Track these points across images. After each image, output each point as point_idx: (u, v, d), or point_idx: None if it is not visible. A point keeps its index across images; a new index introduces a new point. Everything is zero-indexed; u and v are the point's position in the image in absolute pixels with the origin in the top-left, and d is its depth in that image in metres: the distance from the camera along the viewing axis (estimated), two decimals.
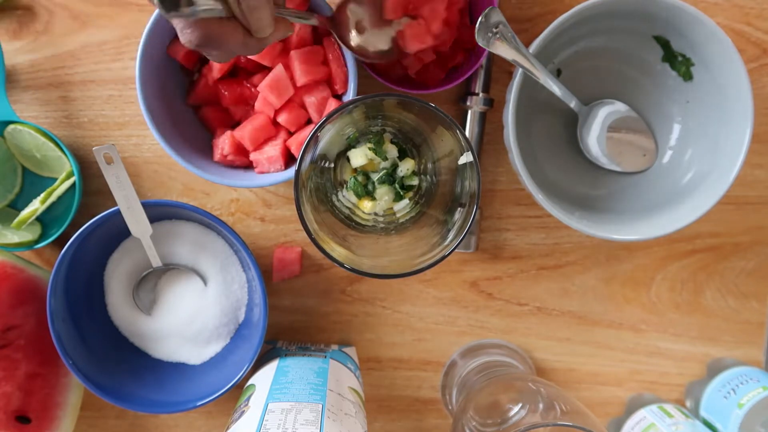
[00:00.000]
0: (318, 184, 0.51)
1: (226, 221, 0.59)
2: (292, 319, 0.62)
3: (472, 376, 0.58)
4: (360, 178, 0.53)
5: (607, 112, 0.56)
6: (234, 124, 0.56)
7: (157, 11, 0.49)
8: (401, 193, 0.53)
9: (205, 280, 0.57)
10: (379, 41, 0.49)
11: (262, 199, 0.60)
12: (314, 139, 0.44)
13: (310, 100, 0.53)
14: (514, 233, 0.61)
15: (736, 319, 0.63)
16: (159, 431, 0.63)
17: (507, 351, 0.61)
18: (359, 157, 0.51)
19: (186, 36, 0.37)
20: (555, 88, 0.52)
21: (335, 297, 0.62)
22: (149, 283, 0.58)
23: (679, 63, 0.54)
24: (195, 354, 0.58)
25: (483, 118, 0.58)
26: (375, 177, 0.53)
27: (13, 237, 0.56)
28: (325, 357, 0.56)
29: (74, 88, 0.59)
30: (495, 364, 0.59)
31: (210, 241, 0.57)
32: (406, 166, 0.53)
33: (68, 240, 0.52)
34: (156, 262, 0.56)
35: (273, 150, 0.53)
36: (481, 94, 0.56)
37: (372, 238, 0.51)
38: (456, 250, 0.49)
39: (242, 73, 0.55)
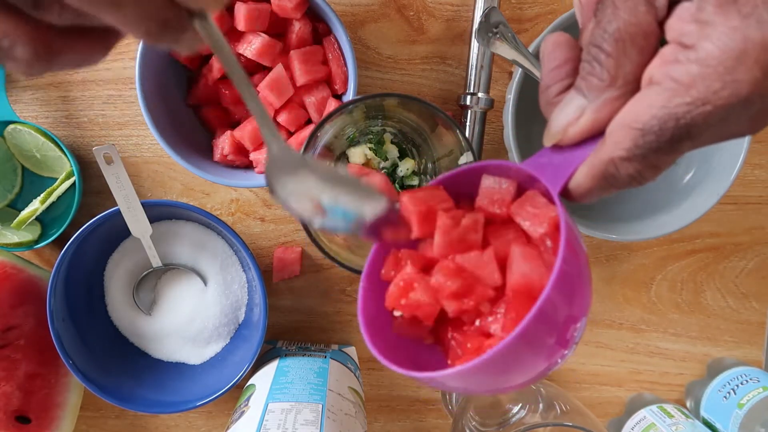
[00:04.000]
0: None
1: (226, 221, 0.59)
2: (292, 319, 0.62)
3: None
4: None
5: None
6: (234, 124, 0.56)
7: None
8: None
9: (205, 280, 0.57)
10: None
11: (262, 199, 0.60)
12: (314, 139, 0.44)
13: (310, 100, 0.53)
14: None
15: (736, 319, 0.63)
16: (159, 431, 0.63)
17: None
18: (358, 155, 0.51)
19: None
20: None
21: (335, 297, 0.62)
22: (149, 283, 0.58)
23: None
24: (195, 354, 0.58)
25: (483, 118, 0.58)
26: None
27: (13, 237, 0.56)
28: (325, 357, 0.56)
29: (74, 88, 0.59)
30: None
31: (210, 241, 0.57)
32: (406, 166, 0.53)
33: (68, 240, 0.52)
34: (156, 262, 0.56)
35: None
36: (481, 94, 0.56)
37: None
38: None
39: None
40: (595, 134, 0.28)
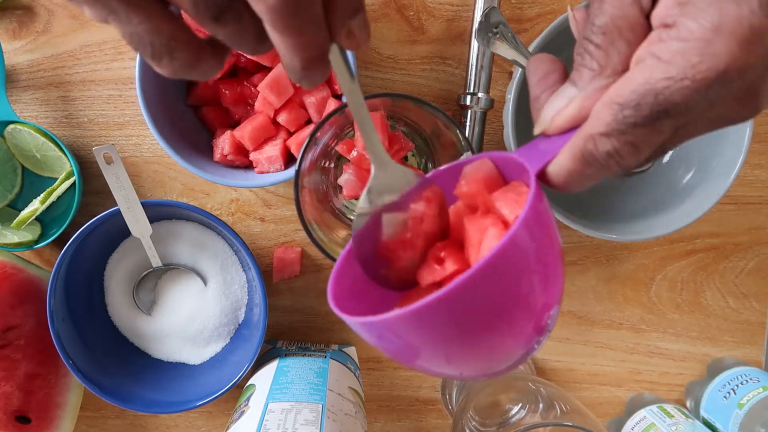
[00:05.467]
0: (318, 184, 0.51)
1: (226, 221, 0.59)
2: (292, 319, 0.62)
3: None
4: None
5: None
6: (234, 124, 0.56)
7: None
8: None
9: (205, 280, 0.57)
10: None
11: (262, 199, 0.60)
12: (314, 139, 0.44)
13: (310, 100, 0.53)
14: None
15: (736, 319, 0.63)
16: (159, 431, 0.63)
17: None
18: None
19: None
20: None
21: None
22: (149, 283, 0.58)
23: None
24: (195, 354, 0.58)
25: (483, 118, 0.58)
26: None
27: (13, 237, 0.56)
28: (325, 357, 0.56)
29: (74, 88, 0.59)
30: None
31: (210, 241, 0.57)
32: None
33: (68, 240, 0.52)
34: (156, 262, 0.56)
35: (273, 150, 0.53)
36: (481, 94, 0.56)
37: None
38: None
39: (242, 72, 0.55)
40: (582, 123, 0.29)
